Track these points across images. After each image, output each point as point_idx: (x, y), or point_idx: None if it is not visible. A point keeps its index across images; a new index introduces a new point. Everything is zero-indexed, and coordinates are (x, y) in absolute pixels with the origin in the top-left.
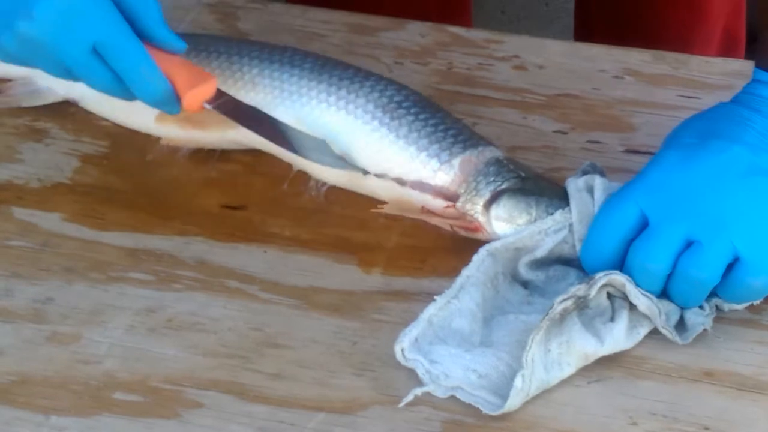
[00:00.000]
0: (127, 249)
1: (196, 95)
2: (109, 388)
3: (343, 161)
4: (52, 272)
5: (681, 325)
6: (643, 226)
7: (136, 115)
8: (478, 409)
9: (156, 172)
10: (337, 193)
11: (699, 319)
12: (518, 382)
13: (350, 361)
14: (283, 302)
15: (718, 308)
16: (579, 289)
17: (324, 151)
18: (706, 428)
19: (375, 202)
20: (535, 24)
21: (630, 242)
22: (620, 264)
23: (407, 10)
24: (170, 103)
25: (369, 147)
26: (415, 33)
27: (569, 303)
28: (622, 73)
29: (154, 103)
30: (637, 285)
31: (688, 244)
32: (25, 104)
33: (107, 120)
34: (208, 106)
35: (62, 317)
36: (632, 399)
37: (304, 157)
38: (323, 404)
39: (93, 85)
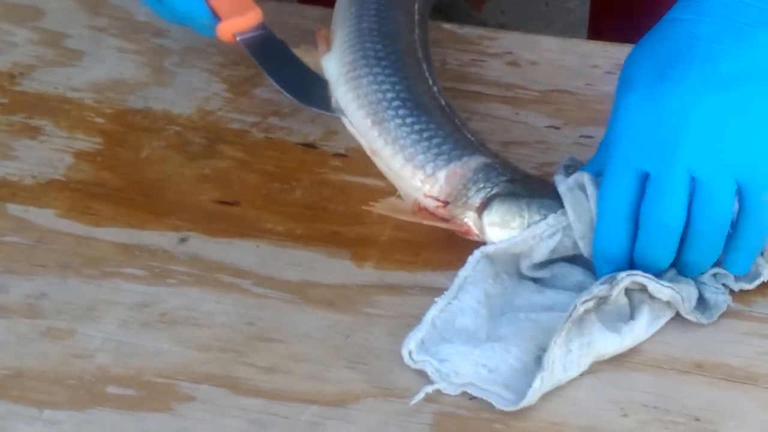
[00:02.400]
0: (121, 245)
1: (232, 25)
2: (103, 382)
3: (339, 111)
4: (47, 268)
5: (702, 306)
6: (644, 182)
7: None
8: (469, 400)
9: (150, 168)
10: (330, 188)
11: (720, 297)
12: (537, 384)
13: (343, 354)
14: (277, 297)
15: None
16: (601, 290)
17: (323, 97)
18: (697, 419)
19: (367, 197)
20: (535, 24)
21: (638, 207)
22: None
23: None
24: (207, 29)
25: (370, 141)
26: None
27: (591, 304)
28: (614, 69)
29: (191, 24)
30: (656, 257)
31: (693, 182)
32: None
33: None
34: (239, 38)
35: (56, 312)
36: (623, 391)
37: (303, 103)
38: (316, 397)
39: None
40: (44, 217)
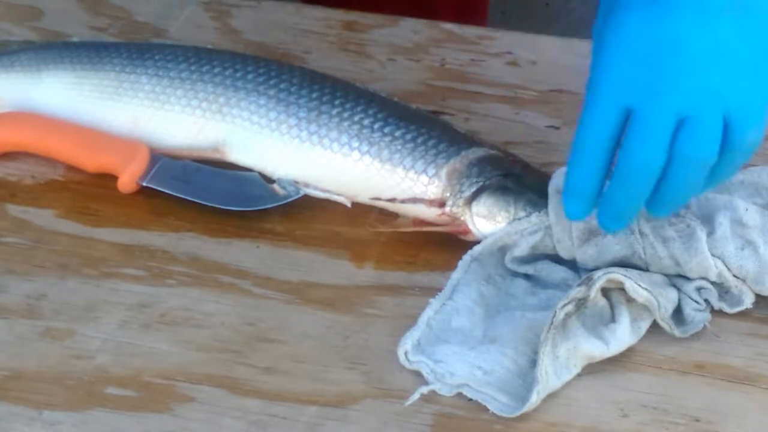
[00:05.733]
0: (121, 245)
1: (132, 175)
2: (102, 382)
3: (276, 194)
4: (46, 268)
5: (679, 318)
6: (626, 118)
7: None
8: (468, 401)
9: None
10: None
11: (699, 315)
12: (534, 397)
13: (343, 355)
14: (276, 297)
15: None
16: (578, 292)
17: (259, 185)
18: (697, 420)
19: None
20: (535, 24)
21: (616, 143)
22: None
23: (418, 11)
24: None
25: (356, 178)
26: (408, 30)
27: (570, 307)
28: None
29: None
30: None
31: (679, 123)
32: None
33: None
34: (144, 184)
35: (55, 313)
36: (623, 391)
37: (246, 206)
38: (316, 398)
39: None
40: (44, 217)
